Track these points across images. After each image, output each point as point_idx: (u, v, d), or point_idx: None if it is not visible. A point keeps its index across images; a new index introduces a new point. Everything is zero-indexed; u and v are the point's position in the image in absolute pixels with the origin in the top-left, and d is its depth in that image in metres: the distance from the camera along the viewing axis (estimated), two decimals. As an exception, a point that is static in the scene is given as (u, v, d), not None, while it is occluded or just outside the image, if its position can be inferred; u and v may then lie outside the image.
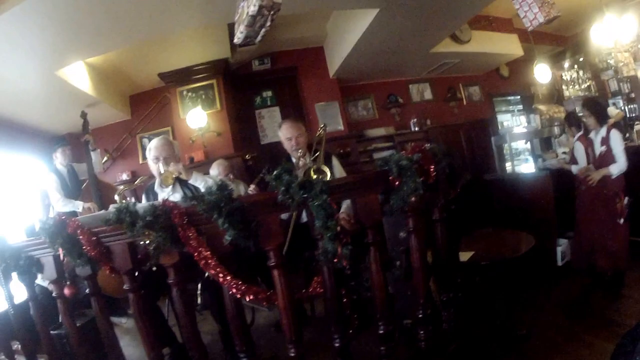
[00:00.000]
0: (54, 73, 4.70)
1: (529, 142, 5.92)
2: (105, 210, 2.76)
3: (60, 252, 2.31)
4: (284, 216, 3.21)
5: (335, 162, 3.52)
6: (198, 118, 6.27)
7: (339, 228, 1.93)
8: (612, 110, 6.07)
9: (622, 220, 3.80)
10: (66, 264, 2.47)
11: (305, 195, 1.88)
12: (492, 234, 3.89)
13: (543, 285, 3.83)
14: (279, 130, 3.62)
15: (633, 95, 7.25)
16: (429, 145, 2.28)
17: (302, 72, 7.31)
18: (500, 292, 3.24)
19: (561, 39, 8.63)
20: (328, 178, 2.87)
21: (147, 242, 2.07)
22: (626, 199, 3.77)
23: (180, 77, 6.57)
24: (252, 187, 3.76)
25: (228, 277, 2.06)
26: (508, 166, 5.83)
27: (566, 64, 8.23)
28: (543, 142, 6.20)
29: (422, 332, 2.35)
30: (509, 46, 7.84)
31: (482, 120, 8.26)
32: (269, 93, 7.45)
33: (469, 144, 7.84)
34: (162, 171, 3.04)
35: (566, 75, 8.37)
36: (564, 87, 8.45)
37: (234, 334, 2.19)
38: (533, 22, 3.45)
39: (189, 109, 6.44)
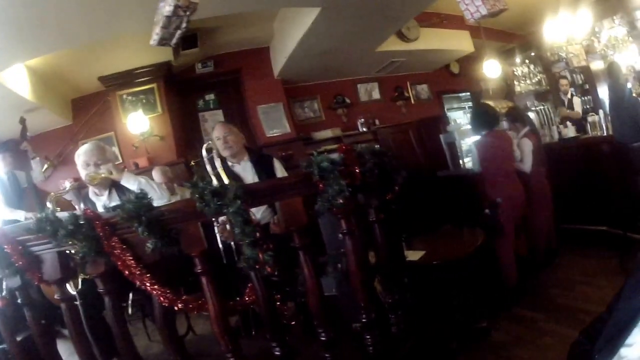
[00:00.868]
0: None
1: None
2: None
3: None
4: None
5: (277, 164, 3.51)
6: (139, 122, 6.25)
7: (257, 234, 1.92)
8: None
9: None
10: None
11: (219, 203, 1.86)
12: (449, 232, 3.89)
13: (500, 278, 3.86)
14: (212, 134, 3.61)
15: (587, 86, 7.27)
16: (359, 145, 2.26)
17: (245, 73, 7.22)
18: (457, 288, 3.23)
19: (513, 36, 8.66)
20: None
21: (73, 251, 2.08)
22: None
23: (122, 80, 6.50)
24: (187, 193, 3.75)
25: (155, 286, 2.06)
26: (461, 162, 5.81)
27: (517, 59, 8.28)
28: None
29: (368, 336, 2.34)
30: (459, 43, 7.87)
31: (433, 118, 8.18)
32: (212, 96, 7.41)
33: (419, 142, 7.79)
34: (89, 172, 2.96)
35: (517, 71, 8.43)
36: (515, 82, 8.51)
37: (164, 343, 2.19)
38: (474, 14, 3.41)
39: (130, 113, 6.39)
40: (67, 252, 2.14)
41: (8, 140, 5.28)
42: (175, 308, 2.11)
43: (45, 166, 6.52)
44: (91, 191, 3.11)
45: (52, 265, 2.21)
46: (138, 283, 2.07)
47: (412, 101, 8.93)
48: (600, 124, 5.29)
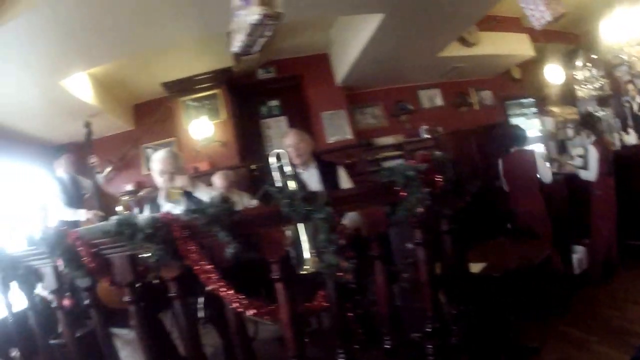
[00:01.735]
0: (56, 83, 4.79)
1: (543, 146, 5.92)
2: (108, 221, 2.81)
3: (60, 262, 2.36)
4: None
5: (341, 172, 3.57)
6: (202, 128, 6.41)
7: (342, 241, 1.95)
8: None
9: None
10: (65, 275, 2.52)
11: (308, 208, 1.90)
12: (505, 243, 3.91)
13: (556, 295, 3.83)
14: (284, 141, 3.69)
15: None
16: (437, 153, 2.29)
17: (307, 80, 7.36)
18: (512, 304, 3.24)
19: (572, 36, 8.47)
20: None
21: (148, 255, 2.12)
22: None
23: (184, 86, 6.68)
24: (254, 201, 3.80)
25: (230, 292, 2.10)
26: None
27: (578, 63, 8.05)
28: (558, 146, 6.17)
29: (430, 346, 2.36)
30: (519, 46, 7.76)
31: (494, 124, 8.06)
32: (275, 102, 7.51)
33: (481, 150, 7.76)
34: (167, 188, 3.09)
35: (578, 75, 8.17)
36: (576, 87, 8.34)
37: (236, 348, 2.22)
38: (540, 20, 3.44)
39: (193, 119, 6.55)
40: (141, 255, 2.18)
41: (71, 143, 5.40)
42: (249, 313, 2.14)
43: (108, 170, 6.73)
44: (161, 196, 3.19)
45: (122, 268, 2.25)
46: (213, 288, 2.11)
47: (476, 107, 8.84)
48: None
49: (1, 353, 3.05)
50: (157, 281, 2.35)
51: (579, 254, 4.30)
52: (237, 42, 2.42)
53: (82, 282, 2.38)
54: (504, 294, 3.15)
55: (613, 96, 7.48)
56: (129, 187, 6.86)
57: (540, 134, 6.08)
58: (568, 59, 8.17)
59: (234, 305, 2.11)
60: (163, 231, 2.06)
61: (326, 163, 3.75)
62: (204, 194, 3.06)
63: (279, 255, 2.05)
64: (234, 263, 2.09)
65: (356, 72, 6.79)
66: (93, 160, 4.86)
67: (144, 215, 3.06)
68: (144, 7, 3.92)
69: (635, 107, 6.67)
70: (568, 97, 8.50)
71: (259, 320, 3.44)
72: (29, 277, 2.62)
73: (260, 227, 2.04)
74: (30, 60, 4.20)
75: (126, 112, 7.07)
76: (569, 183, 4.48)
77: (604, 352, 3.06)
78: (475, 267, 3.13)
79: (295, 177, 3.35)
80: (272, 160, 3.07)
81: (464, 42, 6.96)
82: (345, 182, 3.51)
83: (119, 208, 3.04)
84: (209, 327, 3.20)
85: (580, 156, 4.81)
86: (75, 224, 4.02)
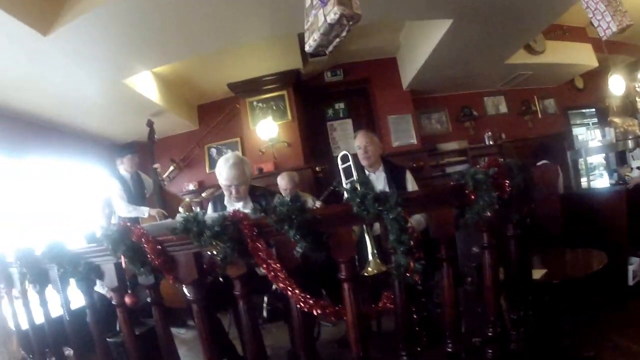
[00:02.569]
0: (120, 81, 4.96)
1: (604, 157, 5.89)
2: (171, 219, 2.87)
3: (123, 259, 2.42)
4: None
5: (409, 176, 3.65)
6: (268, 129, 6.55)
7: (412, 242, 1.98)
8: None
9: None
10: (127, 272, 2.58)
11: (380, 208, 1.94)
12: (562, 252, 3.89)
13: (612, 305, 3.79)
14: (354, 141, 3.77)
15: None
16: (506, 159, 2.31)
17: (374, 83, 7.53)
18: (569, 312, 3.23)
19: (635, 48, 8.46)
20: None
21: (214, 252, 2.17)
22: None
23: (250, 87, 6.86)
24: (318, 203, 3.86)
25: (296, 291, 2.14)
26: (583, 181, 5.80)
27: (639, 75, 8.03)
28: (618, 156, 6.14)
29: (490, 351, 2.38)
30: (583, 56, 7.81)
31: (556, 134, 8.19)
32: (342, 105, 7.70)
33: (541, 158, 7.75)
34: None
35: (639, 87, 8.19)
36: (637, 99, 8.26)
37: (300, 348, 2.26)
38: (607, 31, 3.44)
39: (259, 119, 6.74)
40: (209, 253, 2.24)
41: (134, 142, 5.53)
42: (315, 313, 2.18)
43: (171, 169, 7.00)
44: (227, 198, 3.28)
45: (188, 265, 2.31)
46: (281, 287, 2.15)
47: (539, 115, 8.89)
48: None
49: (55, 351, 3.11)
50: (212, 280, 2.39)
51: (634, 265, 4.25)
52: (311, 42, 2.46)
53: (145, 280, 2.44)
54: (561, 301, 3.15)
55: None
56: (191, 186, 7.08)
57: (600, 145, 6.04)
58: (630, 71, 8.10)
59: (300, 305, 2.15)
60: (231, 229, 2.12)
61: (394, 166, 3.82)
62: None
63: (348, 256, 2.09)
64: (301, 263, 2.14)
65: (423, 77, 6.91)
66: (156, 165, 4.99)
67: (210, 214, 3.12)
68: (214, 7, 4.03)
69: None
70: (629, 108, 8.45)
71: (321, 321, 3.51)
72: (89, 274, 2.65)
73: (330, 227, 2.08)
74: (98, 56, 4.34)
75: (190, 111, 7.29)
76: (630, 194, 4.43)
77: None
78: (537, 273, 3.13)
79: (364, 178, 3.47)
80: (339, 162, 3.15)
81: (531, 49, 7.04)
82: (412, 185, 3.59)
83: (180, 209, 3.09)
84: (268, 327, 3.29)
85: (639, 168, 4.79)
86: (136, 221, 4.11)
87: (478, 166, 2.16)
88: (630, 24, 3.46)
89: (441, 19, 5.13)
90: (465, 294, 2.57)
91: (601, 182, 6.09)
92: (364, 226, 2.63)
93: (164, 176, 6.06)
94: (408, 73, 7.10)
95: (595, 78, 8.71)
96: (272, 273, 2.13)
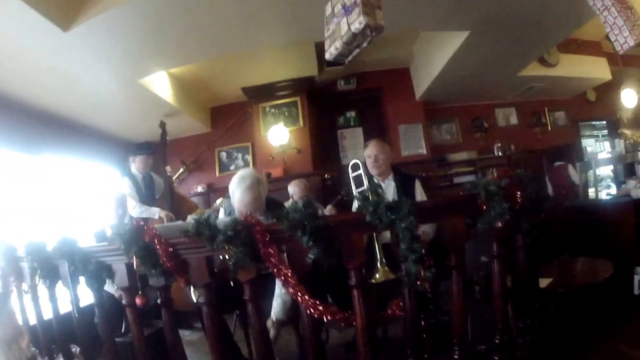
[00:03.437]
0: (136, 80, 5.00)
1: (612, 169, 5.93)
2: (181, 221, 2.90)
3: (135, 260, 2.46)
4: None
5: (418, 185, 3.67)
6: (280, 135, 6.57)
7: (423, 251, 2.02)
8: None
9: None
10: (137, 272, 2.61)
11: (392, 217, 1.98)
12: (568, 261, 3.92)
13: (617, 314, 3.83)
14: (364, 150, 3.80)
15: None
16: (518, 171, 2.35)
17: (387, 93, 7.61)
18: (575, 321, 3.27)
19: None
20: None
21: (226, 256, 2.21)
22: None
23: (264, 92, 6.93)
24: (328, 207, 3.89)
25: (306, 297, 2.18)
26: (591, 192, 5.83)
27: None
28: (626, 168, 6.17)
29: (496, 358, 2.42)
30: (597, 70, 7.86)
31: (565, 146, 8.10)
32: (353, 113, 7.76)
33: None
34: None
35: None
36: None
37: (309, 352, 2.31)
38: (624, 45, 3.44)
39: (271, 125, 6.78)
40: (220, 257, 2.28)
41: (147, 143, 5.48)
42: (324, 319, 2.22)
43: (181, 170, 7.04)
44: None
45: (199, 268, 2.35)
46: (291, 292, 2.20)
47: (549, 127, 8.89)
48: None
49: (62, 347, 3.15)
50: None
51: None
52: (332, 50, 2.49)
53: (155, 282, 2.48)
54: (567, 310, 3.19)
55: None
56: (200, 188, 7.13)
57: (609, 156, 6.09)
58: (641, 83, 8.14)
59: (310, 310, 2.19)
60: (244, 234, 2.16)
61: (404, 175, 3.86)
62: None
63: (358, 262, 2.13)
64: (311, 269, 2.18)
65: (436, 88, 6.98)
66: (168, 168, 5.03)
67: (222, 218, 3.15)
68: (233, 11, 4.08)
69: None
70: (640, 120, 8.50)
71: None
72: (100, 273, 2.68)
73: (342, 234, 2.12)
74: (116, 54, 4.40)
75: (203, 114, 7.33)
76: (638, 205, 4.46)
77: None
78: (542, 282, 3.17)
79: (374, 186, 3.50)
80: (350, 170, 3.19)
81: (544, 62, 7.10)
82: (420, 194, 3.62)
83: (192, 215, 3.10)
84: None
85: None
86: (145, 222, 4.14)
87: (489, 177, 2.20)
88: (647, 38, 3.48)
89: (458, 31, 5.18)
90: (472, 302, 2.61)
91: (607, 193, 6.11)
92: (373, 234, 2.67)
93: (174, 178, 6.09)
94: (421, 84, 7.17)
95: (607, 90, 8.64)
96: (283, 279, 2.17)
